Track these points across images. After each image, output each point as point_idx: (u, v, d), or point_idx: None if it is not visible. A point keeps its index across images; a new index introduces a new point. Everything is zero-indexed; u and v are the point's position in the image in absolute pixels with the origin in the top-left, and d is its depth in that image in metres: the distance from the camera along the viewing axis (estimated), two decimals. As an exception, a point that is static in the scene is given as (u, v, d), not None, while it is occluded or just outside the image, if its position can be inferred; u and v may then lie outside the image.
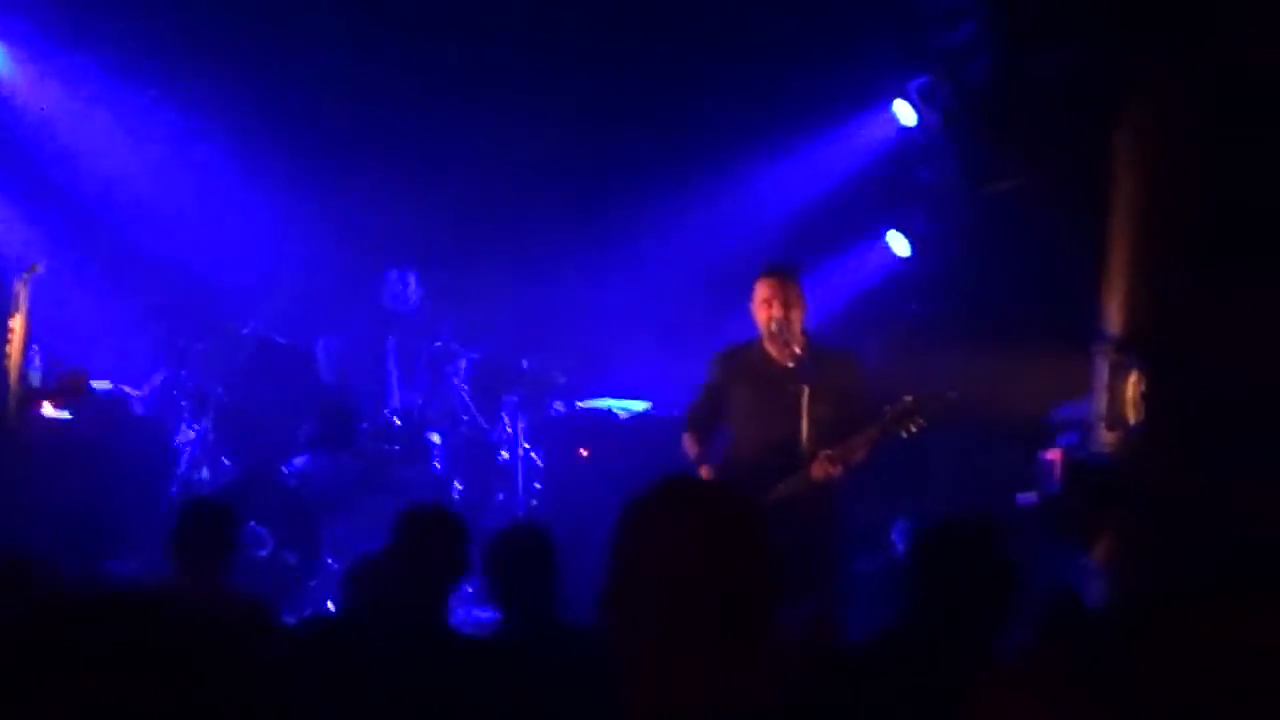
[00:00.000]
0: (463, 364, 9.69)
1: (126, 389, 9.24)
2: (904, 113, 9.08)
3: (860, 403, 6.71)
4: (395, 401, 9.58)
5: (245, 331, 9.30)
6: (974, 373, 8.34)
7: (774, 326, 6.65)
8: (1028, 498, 7.49)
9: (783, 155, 10.08)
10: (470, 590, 8.50)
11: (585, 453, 9.63)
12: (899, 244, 9.68)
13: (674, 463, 6.98)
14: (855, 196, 9.78)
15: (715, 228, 10.31)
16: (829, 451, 6.49)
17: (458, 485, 9.33)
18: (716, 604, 2.22)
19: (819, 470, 6.48)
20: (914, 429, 6.49)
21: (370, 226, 10.50)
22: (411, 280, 9.83)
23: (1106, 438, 7.21)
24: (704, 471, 6.60)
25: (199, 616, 1.53)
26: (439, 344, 9.51)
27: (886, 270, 9.78)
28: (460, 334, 9.58)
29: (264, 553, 8.58)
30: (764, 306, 6.70)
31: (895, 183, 9.51)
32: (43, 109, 9.65)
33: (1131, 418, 7.06)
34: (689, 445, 6.90)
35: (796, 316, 6.68)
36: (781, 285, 6.71)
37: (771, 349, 6.76)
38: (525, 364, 9.61)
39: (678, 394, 8.81)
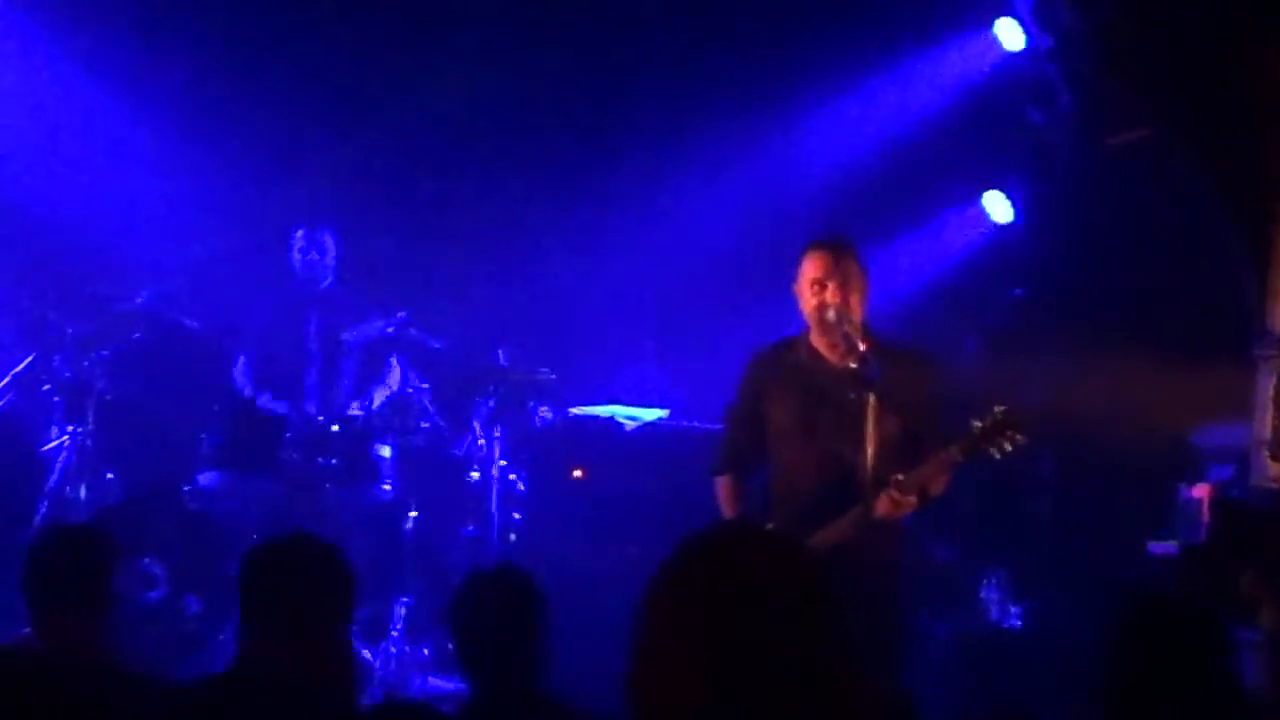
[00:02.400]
0: (412, 358, 9.60)
1: (-22, 379, 9.08)
2: (1009, 35, 9.05)
3: (936, 420, 6.61)
4: (324, 401, 9.50)
5: (137, 305, 9.15)
6: (1093, 380, 8.45)
7: (830, 315, 6.55)
8: (1164, 547, 7.49)
9: (841, 91, 9.91)
10: (427, 653, 8.62)
11: (580, 473, 9.61)
12: (999, 208, 9.57)
13: (695, 486, 7.01)
14: (940, 147, 9.63)
15: (751, 188, 10.16)
16: (899, 478, 6.37)
17: (412, 513, 9.24)
18: (775, 692, 2.28)
19: (886, 504, 6.37)
20: (1009, 448, 6.35)
21: (299, 180, 10.47)
22: (328, 241, 9.77)
23: (1272, 470, 7.25)
24: None
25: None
26: (390, 329, 9.40)
27: (981, 243, 9.68)
28: (417, 318, 9.47)
29: (157, 596, 8.56)
30: (815, 289, 6.61)
31: (995, 128, 9.40)
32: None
33: (1305, 444, 7.16)
34: (725, 497, 6.83)
35: (856, 303, 6.62)
36: (837, 261, 6.63)
37: (823, 345, 6.70)
38: (502, 357, 9.47)
39: (698, 399, 9.06)
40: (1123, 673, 4.16)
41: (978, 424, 6.38)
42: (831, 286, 6.55)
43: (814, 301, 6.59)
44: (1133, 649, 4.17)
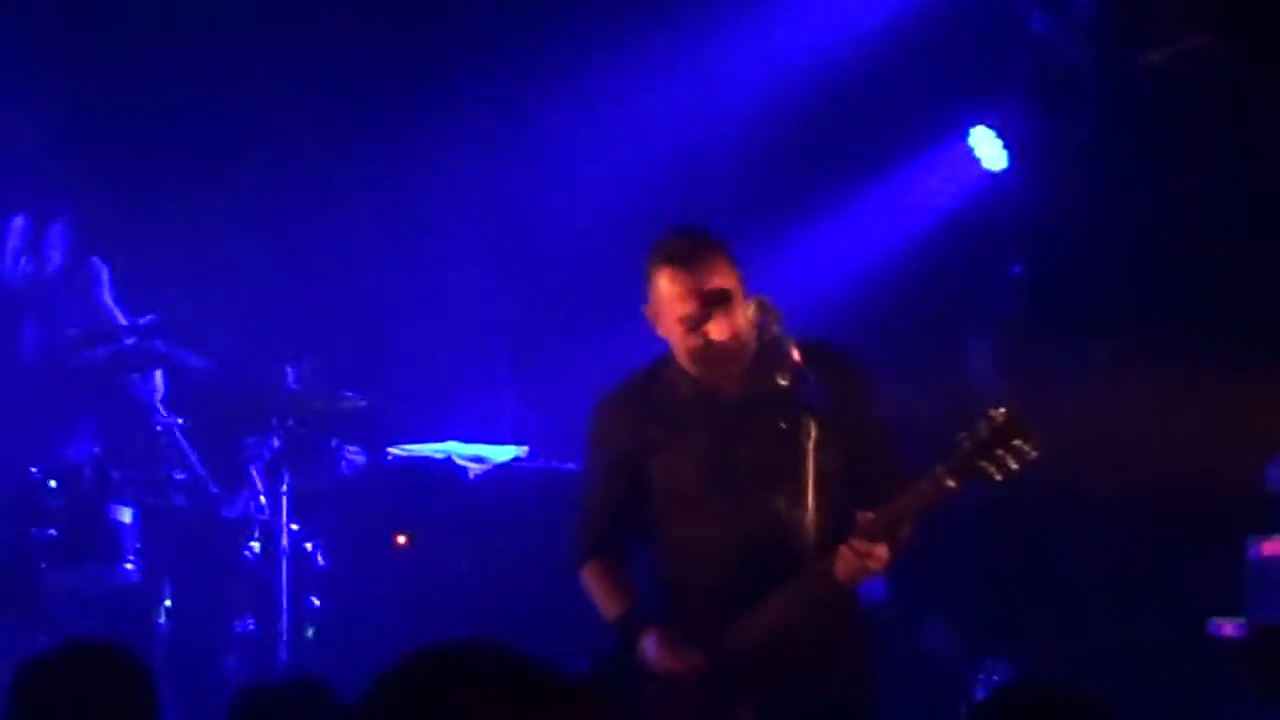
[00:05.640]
0: (159, 378, 9.88)
1: None
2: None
3: (883, 445, 6.67)
4: (38, 445, 9.68)
5: None
6: (1127, 398, 9.03)
7: (713, 353, 6.57)
8: (1229, 626, 7.89)
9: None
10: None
11: (405, 540, 9.83)
12: (989, 152, 9.99)
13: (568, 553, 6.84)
14: (908, 67, 10.02)
15: (644, 128, 10.51)
16: (869, 517, 6.29)
17: (166, 602, 9.49)
18: None
19: (849, 562, 6.30)
20: (1014, 465, 6.26)
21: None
22: (57, 233, 10.08)
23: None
24: (656, 642, 6.44)
25: None
26: (129, 341, 9.65)
27: (963, 201, 10.09)
28: (169, 324, 9.75)
29: None
30: (689, 325, 6.58)
31: (986, 42, 9.81)
32: None
33: None
34: (602, 588, 6.78)
35: (746, 321, 6.59)
36: (708, 280, 6.55)
37: (705, 373, 6.70)
38: (291, 377, 9.69)
39: (569, 431, 8.83)
40: None
41: (967, 436, 6.31)
42: (717, 320, 6.53)
43: (694, 342, 6.58)
44: None
